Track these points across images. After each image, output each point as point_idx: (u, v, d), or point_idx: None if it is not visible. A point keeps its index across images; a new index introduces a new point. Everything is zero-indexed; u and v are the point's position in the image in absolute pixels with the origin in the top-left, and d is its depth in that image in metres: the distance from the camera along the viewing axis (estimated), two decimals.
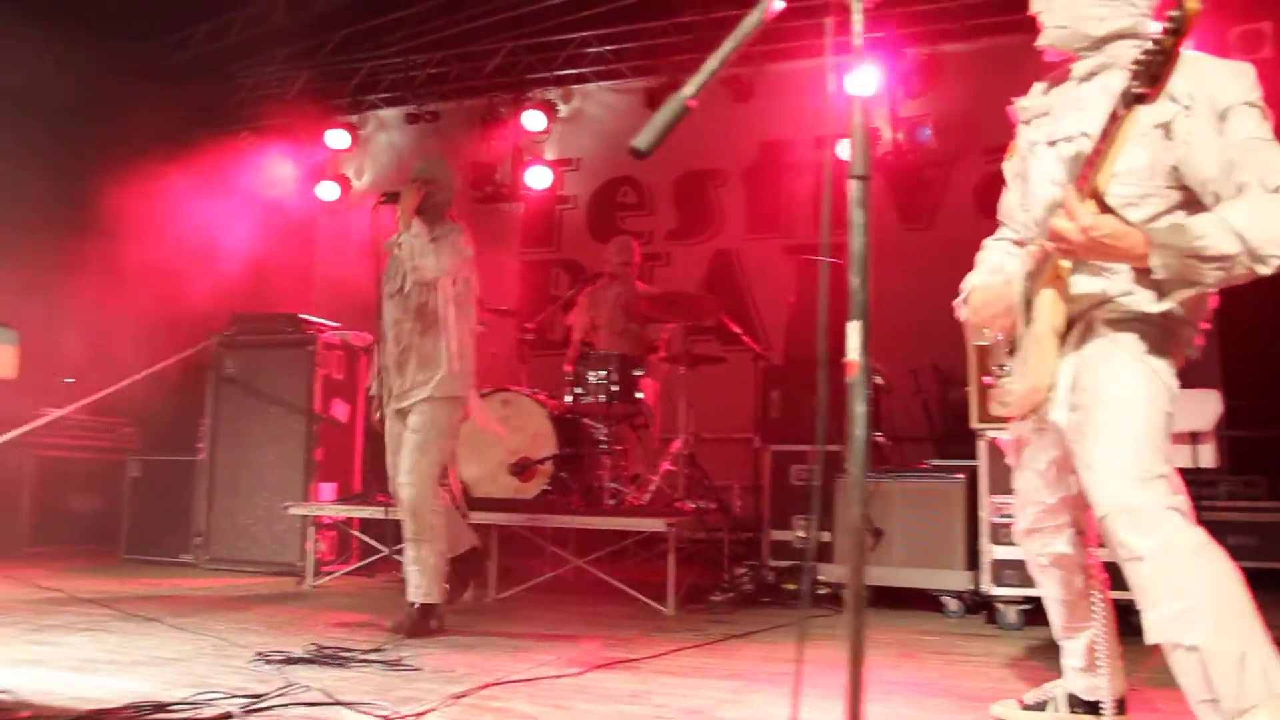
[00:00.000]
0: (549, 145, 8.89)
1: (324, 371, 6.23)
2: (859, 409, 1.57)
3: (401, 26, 9.02)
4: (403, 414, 4.23)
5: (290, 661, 3.33)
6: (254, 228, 8.43)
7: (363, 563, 5.91)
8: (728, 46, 1.72)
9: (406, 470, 4.14)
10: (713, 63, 1.72)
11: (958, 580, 4.78)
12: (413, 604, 4.13)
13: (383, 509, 5.64)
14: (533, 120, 8.68)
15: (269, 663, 3.31)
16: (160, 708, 2.63)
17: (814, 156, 7.96)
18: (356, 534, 5.94)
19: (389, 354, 4.23)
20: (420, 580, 4.13)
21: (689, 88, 1.67)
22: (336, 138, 9.14)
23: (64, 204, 7.31)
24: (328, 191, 9.13)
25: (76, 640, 3.73)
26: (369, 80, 9.30)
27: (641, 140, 1.63)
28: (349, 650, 3.53)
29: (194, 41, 9.08)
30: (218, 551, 6.32)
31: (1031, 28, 2.39)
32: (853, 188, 1.61)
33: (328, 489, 6.28)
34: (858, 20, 1.69)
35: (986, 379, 2.52)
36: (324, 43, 9.23)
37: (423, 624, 4.08)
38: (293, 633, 4.03)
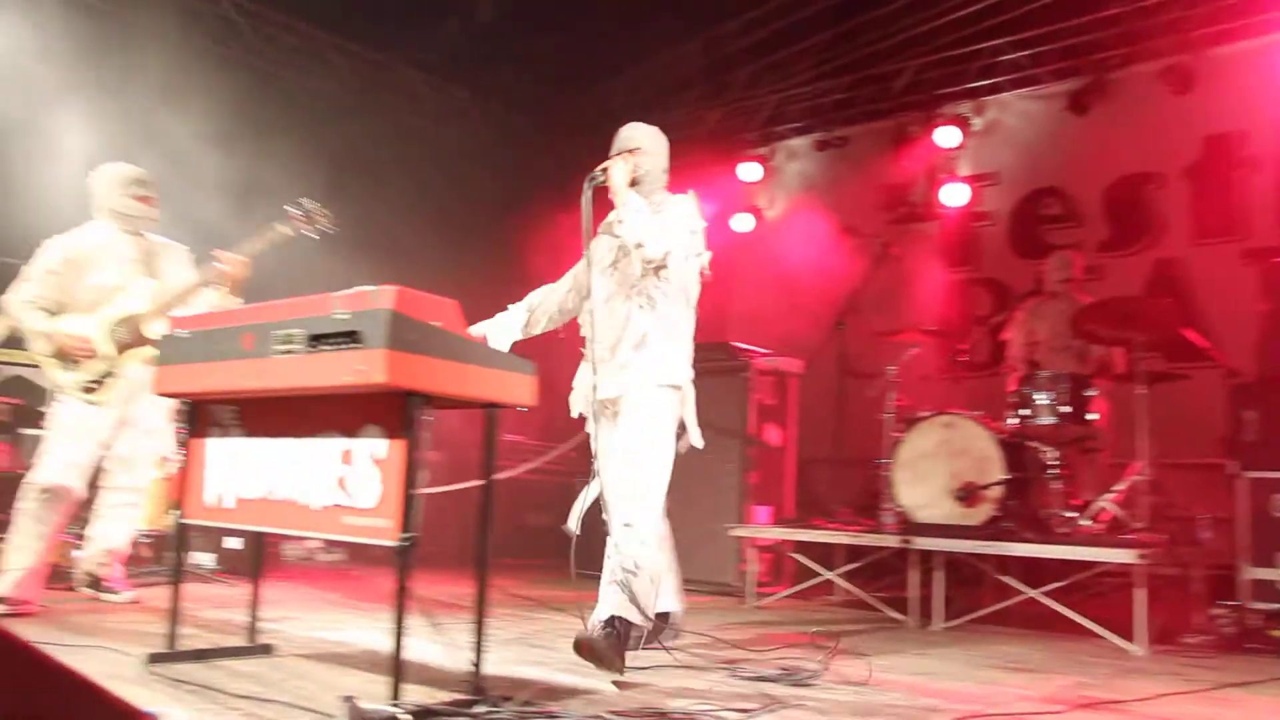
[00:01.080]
0: (963, 161, 8.62)
1: (757, 397, 6.44)
2: None
3: (807, 56, 9.21)
4: (609, 406, 3.71)
5: (760, 679, 3.44)
6: None
7: (802, 585, 6.00)
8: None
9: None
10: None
11: None
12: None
13: (820, 532, 5.74)
14: (946, 137, 8.47)
15: (743, 678, 3.45)
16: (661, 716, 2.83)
17: (1274, 147, 7.06)
18: (796, 556, 6.04)
19: (602, 342, 3.65)
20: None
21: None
22: (748, 170, 9.47)
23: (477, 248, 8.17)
24: (742, 224, 9.46)
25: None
26: (777, 112, 9.57)
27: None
28: (811, 670, 3.59)
29: (616, 92, 9.86)
30: None
31: None
32: None
33: (762, 512, 6.47)
34: None
35: None
36: (733, 80, 9.65)
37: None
38: (745, 648, 4.18)
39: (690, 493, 6.57)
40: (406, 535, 2.52)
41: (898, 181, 8.78)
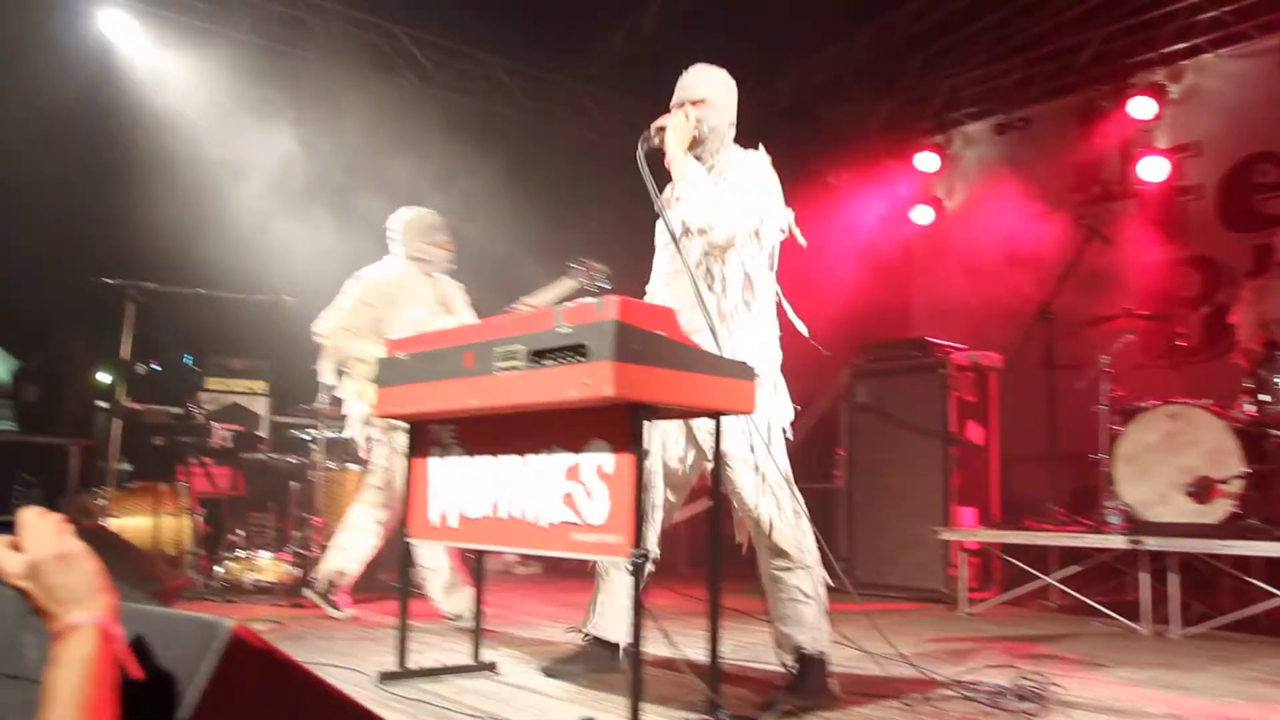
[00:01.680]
0: (1161, 133, 8.05)
1: (957, 394, 6.16)
2: None
3: (982, 37, 8.81)
4: None
5: (998, 693, 3.23)
6: (856, 261, 8.71)
7: (1017, 591, 5.68)
8: None
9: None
10: None
11: None
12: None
13: (1037, 534, 5.42)
14: (1139, 108, 7.92)
15: (975, 695, 3.24)
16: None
17: None
18: (1007, 559, 5.72)
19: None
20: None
21: None
22: (925, 160, 9.14)
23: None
24: (922, 216, 9.14)
25: None
26: (953, 97, 9.19)
27: None
28: (1049, 683, 3.35)
29: (782, 89, 9.68)
30: (860, 576, 6.48)
31: None
32: None
33: (967, 514, 6.18)
34: None
35: None
36: (905, 68, 9.33)
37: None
38: (972, 660, 3.95)
39: (892, 495, 6.38)
40: (639, 551, 2.46)
41: (1088, 160, 8.27)
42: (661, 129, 3.15)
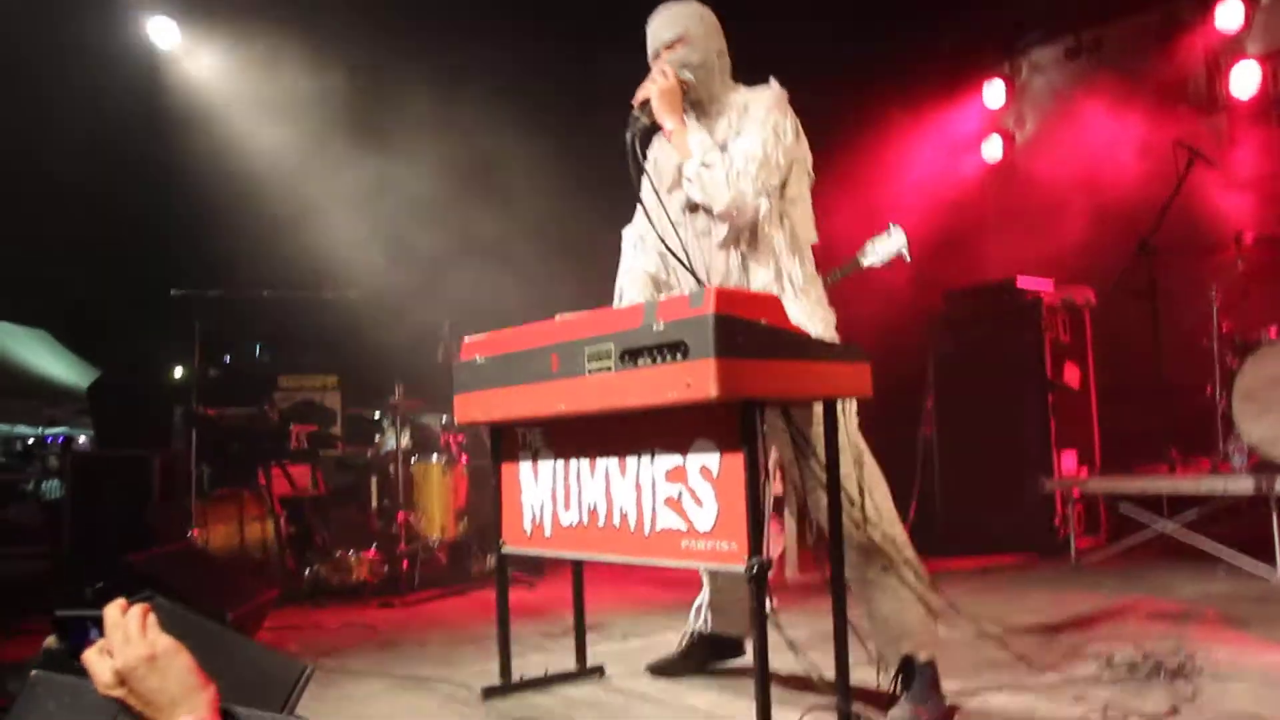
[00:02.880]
0: (1252, 40, 7.53)
1: (1050, 335, 5.87)
2: None
3: None
4: None
5: (1146, 670, 2.99)
6: (928, 202, 8.37)
7: (1132, 541, 5.40)
8: None
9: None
10: None
11: None
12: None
13: (1154, 479, 5.14)
14: (1227, 15, 7.40)
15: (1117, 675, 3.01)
16: None
17: None
18: (1118, 506, 5.43)
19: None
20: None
21: None
22: (993, 93, 8.71)
23: None
24: (993, 150, 8.72)
25: None
26: (1017, 23, 8.73)
27: None
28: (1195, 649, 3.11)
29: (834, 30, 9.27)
30: (958, 531, 6.24)
31: None
32: None
33: (1069, 459, 5.90)
34: None
35: None
36: None
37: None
38: (1100, 626, 3.72)
39: (986, 445, 6.11)
40: (755, 560, 2.27)
41: (1172, 78, 7.78)
42: (645, 102, 2.78)
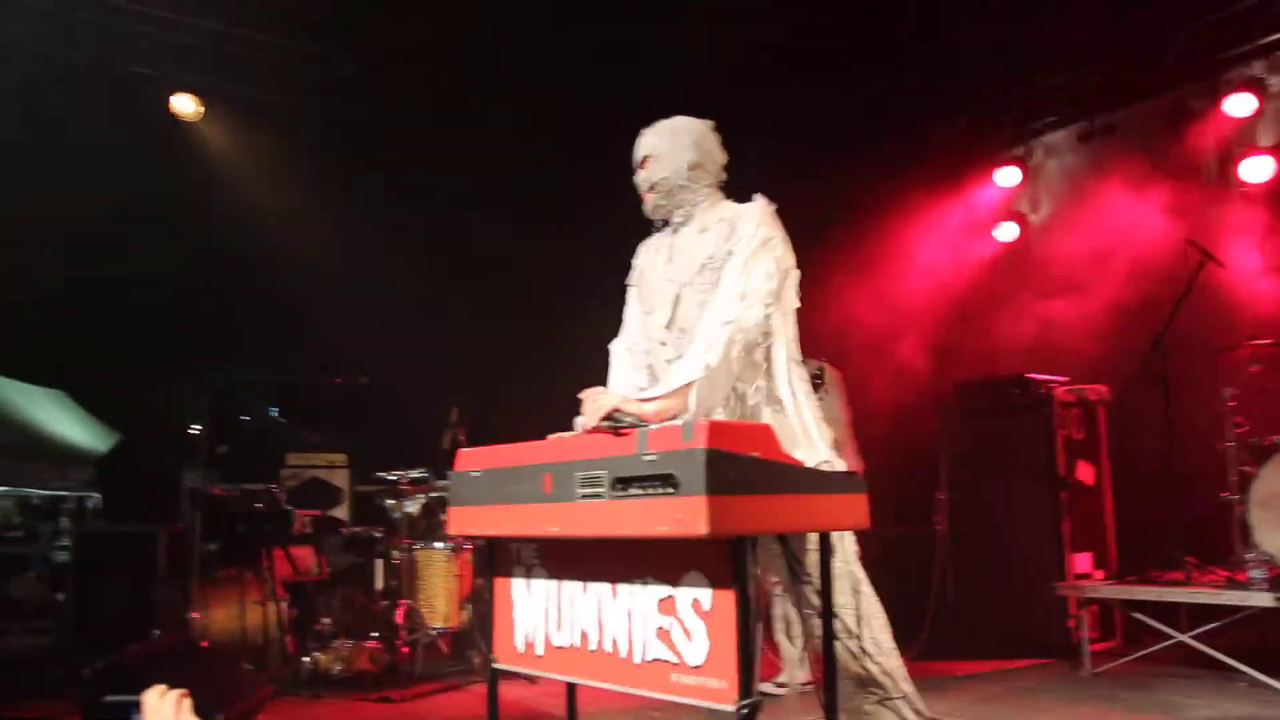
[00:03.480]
0: (1263, 129, 7.54)
1: (1063, 432, 5.79)
2: None
3: (1057, 41, 8.38)
4: None
5: None
6: (941, 286, 8.35)
7: (1150, 649, 5.25)
8: None
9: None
10: None
11: None
12: None
13: (1169, 588, 5.02)
14: (1237, 105, 7.42)
15: None
16: None
17: None
18: (1134, 614, 5.30)
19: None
20: None
21: None
22: (1005, 175, 8.71)
23: None
24: (1006, 233, 8.71)
25: None
26: (1030, 107, 8.77)
27: None
28: None
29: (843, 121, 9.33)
30: (967, 630, 6.10)
31: None
32: None
33: (1083, 560, 5.78)
34: None
35: None
36: (976, 80, 8.92)
37: None
38: None
39: (998, 542, 6.00)
40: (745, 702, 2.20)
41: (1183, 164, 7.77)
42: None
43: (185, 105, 6.98)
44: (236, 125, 7.23)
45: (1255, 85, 7.44)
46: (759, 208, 2.80)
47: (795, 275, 2.82)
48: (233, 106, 7.15)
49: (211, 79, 7.00)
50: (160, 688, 1.47)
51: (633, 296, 2.89)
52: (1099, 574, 5.80)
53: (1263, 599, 4.48)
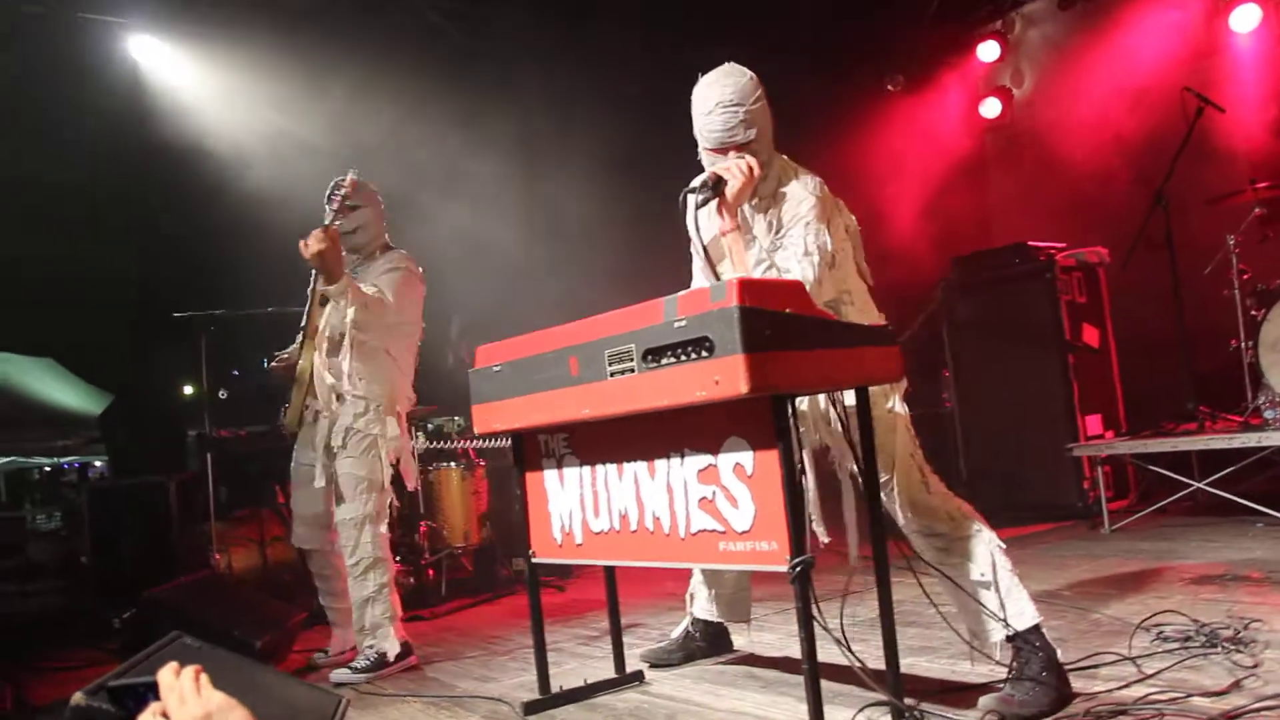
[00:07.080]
0: None
1: (1066, 297, 5.76)
2: None
3: None
4: None
5: (1201, 643, 2.88)
6: (928, 168, 8.26)
7: (1166, 500, 5.30)
8: None
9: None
10: None
11: None
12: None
13: (1185, 438, 5.04)
14: None
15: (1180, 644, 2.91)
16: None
17: None
18: (1148, 467, 5.33)
19: None
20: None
21: None
22: (986, 50, 8.56)
23: None
24: (990, 109, 8.58)
25: None
26: None
27: None
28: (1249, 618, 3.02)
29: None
30: (987, 501, 6.12)
31: None
32: None
33: (1093, 422, 5.81)
34: None
35: None
36: None
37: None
38: (1143, 592, 3.63)
39: (1008, 412, 6.01)
40: (798, 560, 2.19)
41: (1169, 21, 7.63)
42: (721, 182, 2.62)
43: (148, 48, 6.77)
44: (199, 63, 7.00)
45: None
46: (808, 182, 2.74)
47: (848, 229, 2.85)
48: (197, 47, 6.92)
49: (172, 20, 6.77)
50: (172, 665, 1.42)
51: (697, 248, 2.75)
52: (1109, 434, 5.83)
53: (1278, 438, 4.50)
